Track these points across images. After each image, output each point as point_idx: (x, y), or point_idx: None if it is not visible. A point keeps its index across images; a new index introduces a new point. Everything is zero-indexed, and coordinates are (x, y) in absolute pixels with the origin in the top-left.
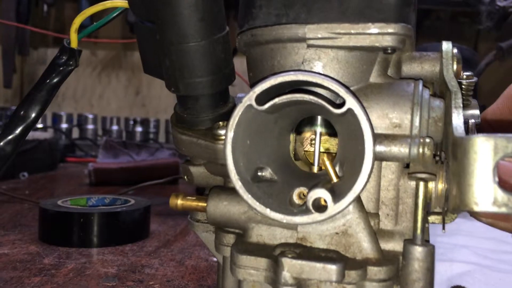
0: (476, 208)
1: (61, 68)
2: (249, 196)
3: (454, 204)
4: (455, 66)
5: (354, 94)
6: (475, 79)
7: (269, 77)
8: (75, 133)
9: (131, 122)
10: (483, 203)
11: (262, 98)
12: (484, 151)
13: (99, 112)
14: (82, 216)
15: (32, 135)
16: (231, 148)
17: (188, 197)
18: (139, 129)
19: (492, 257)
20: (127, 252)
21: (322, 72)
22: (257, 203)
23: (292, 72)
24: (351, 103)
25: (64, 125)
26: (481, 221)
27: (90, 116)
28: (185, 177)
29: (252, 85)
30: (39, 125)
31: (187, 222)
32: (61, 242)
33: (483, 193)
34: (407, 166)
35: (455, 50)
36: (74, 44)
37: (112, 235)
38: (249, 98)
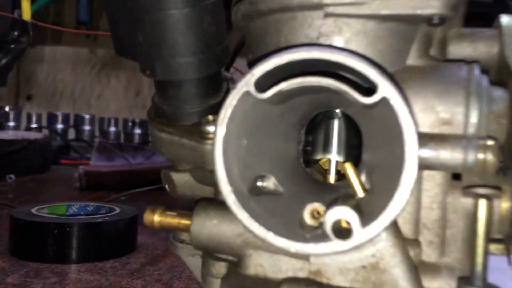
0: None
1: (11, 46)
2: (245, 214)
3: None
4: None
5: (391, 77)
6: None
7: (273, 55)
8: (71, 134)
9: (130, 124)
10: None
11: (263, 84)
12: None
13: (97, 113)
14: (57, 227)
15: (22, 135)
16: (222, 149)
17: (168, 213)
18: (137, 131)
19: None
20: (107, 270)
21: None
22: (256, 224)
23: (304, 48)
24: (386, 89)
25: (59, 126)
26: None
27: (87, 117)
28: (166, 186)
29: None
30: (34, 125)
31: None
32: (33, 257)
33: None
34: (456, 177)
35: None
36: (26, 15)
37: (92, 249)
38: (246, 83)
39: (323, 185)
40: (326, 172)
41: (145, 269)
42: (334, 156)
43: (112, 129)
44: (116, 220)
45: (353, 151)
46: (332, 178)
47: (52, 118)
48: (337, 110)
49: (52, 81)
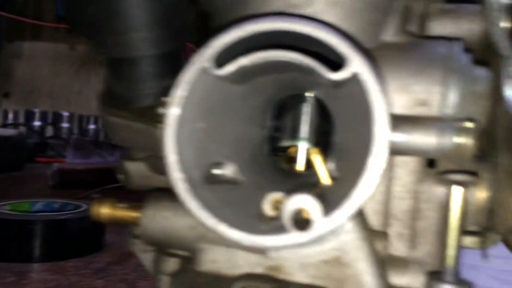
0: None
1: None
2: (194, 203)
3: (510, 221)
4: (504, 23)
5: (366, 52)
6: None
7: (233, 26)
8: (50, 132)
9: None
10: None
11: (223, 60)
12: None
13: (76, 110)
14: (19, 224)
15: None
16: (173, 132)
17: (118, 205)
18: None
19: (498, 277)
20: (68, 270)
21: None
22: (206, 215)
23: (268, 18)
24: (356, 64)
25: (37, 123)
26: None
27: (66, 114)
28: (120, 176)
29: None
30: (10, 122)
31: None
32: None
33: None
34: (430, 164)
35: (505, 1)
36: None
37: (55, 247)
38: (203, 57)
39: (289, 174)
40: (293, 161)
41: (109, 268)
42: (303, 143)
43: (92, 126)
44: (81, 217)
45: (323, 137)
46: (301, 166)
47: (29, 115)
48: (307, 94)
49: (30, 78)
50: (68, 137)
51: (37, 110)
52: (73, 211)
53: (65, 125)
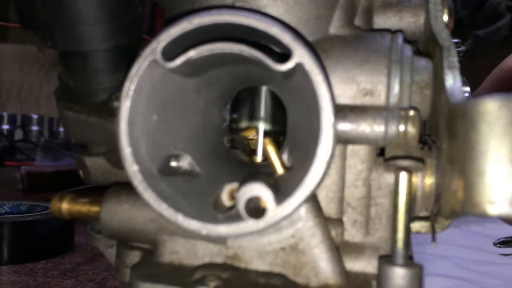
0: (492, 210)
1: None
2: (153, 195)
3: (453, 205)
4: (445, 16)
5: (305, 42)
6: (463, 48)
7: (181, 19)
8: (19, 135)
9: None
10: (504, 201)
11: (172, 53)
12: (503, 120)
13: (46, 113)
14: None
15: None
16: (126, 125)
17: (79, 200)
18: None
19: (475, 269)
20: (36, 271)
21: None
22: (164, 206)
23: (214, 11)
24: (301, 55)
25: (5, 127)
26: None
27: (35, 117)
28: (80, 172)
29: None
30: None
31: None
32: None
33: (504, 185)
34: (381, 153)
35: None
36: None
37: (22, 249)
38: (153, 50)
39: (246, 165)
40: (252, 152)
41: (79, 268)
42: (261, 124)
43: (62, 129)
44: (49, 218)
45: (279, 129)
46: (259, 159)
47: None
48: (263, 88)
49: None
50: (38, 140)
51: (5, 113)
52: (41, 213)
53: (34, 128)
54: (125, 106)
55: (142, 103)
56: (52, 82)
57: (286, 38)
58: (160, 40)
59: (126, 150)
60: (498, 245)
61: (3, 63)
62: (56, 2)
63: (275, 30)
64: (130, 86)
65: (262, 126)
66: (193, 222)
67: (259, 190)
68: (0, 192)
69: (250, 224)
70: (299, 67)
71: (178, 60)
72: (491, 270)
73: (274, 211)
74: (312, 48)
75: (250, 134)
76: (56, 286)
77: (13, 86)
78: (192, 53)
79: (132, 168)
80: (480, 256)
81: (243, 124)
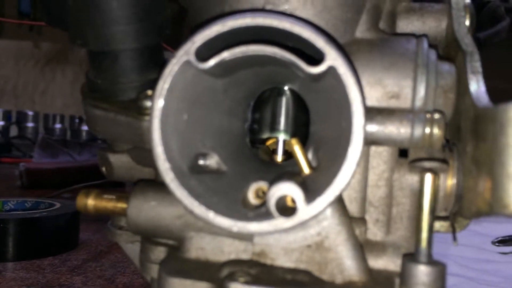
0: None
1: None
2: (185, 192)
3: (479, 206)
4: (467, 21)
5: (339, 47)
6: None
7: (214, 21)
8: (14, 132)
9: (77, 121)
10: None
11: (204, 54)
12: None
13: (41, 110)
14: None
15: None
16: (159, 124)
17: (105, 196)
18: (85, 128)
19: (475, 268)
20: (44, 268)
21: None
22: (196, 203)
23: (248, 14)
24: (333, 58)
25: (0, 123)
26: None
27: (31, 114)
28: (103, 168)
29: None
30: None
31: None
32: None
33: None
34: (402, 154)
35: (467, 0)
36: None
37: (29, 246)
38: (186, 51)
39: (269, 164)
40: (272, 153)
41: (86, 265)
42: (281, 135)
43: (58, 126)
44: (56, 215)
45: (301, 129)
46: (279, 157)
47: None
48: (285, 87)
49: None
50: (33, 136)
51: (0, 110)
52: (47, 209)
53: (30, 124)
54: (158, 105)
55: (174, 102)
56: (47, 79)
57: (319, 41)
58: (195, 41)
59: (159, 148)
60: (497, 244)
61: None
62: (89, 2)
63: (308, 34)
64: (163, 86)
65: (282, 137)
66: (224, 219)
67: (290, 189)
68: None
69: (281, 222)
70: (331, 70)
71: (212, 61)
72: (491, 268)
73: (304, 210)
74: (344, 51)
75: (272, 144)
76: (66, 283)
77: (8, 82)
78: (225, 55)
79: (165, 166)
80: (480, 255)
81: (265, 134)
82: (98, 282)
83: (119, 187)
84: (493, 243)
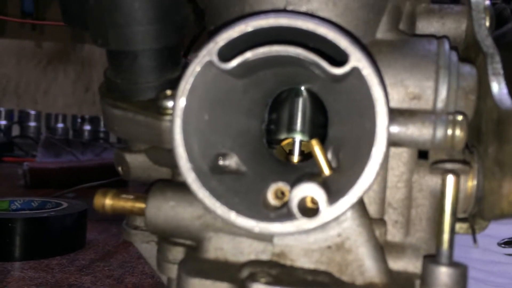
0: None
1: None
2: (206, 193)
3: (503, 208)
4: (487, 23)
5: (363, 47)
6: None
7: (237, 22)
8: (16, 131)
9: (79, 120)
10: None
11: (226, 55)
12: None
13: (43, 109)
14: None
15: None
16: (181, 124)
17: (122, 196)
18: (87, 127)
19: (482, 269)
20: (53, 267)
21: None
22: (217, 204)
23: (271, 14)
24: (358, 59)
25: (2, 122)
26: None
27: (33, 113)
28: (119, 168)
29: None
30: None
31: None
32: None
33: None
34: (422, 156)
35: (487, 2)
36: None
37: (37, 245)
38: (209, 51)
39: (287, 165)
40: (289, 153)
41: (94, 265)
42: (298, 135)
43: (60, 125)
44: (63, 215)
45: (319, 130)
46: (295, 158)
47: None
48: (302, 88)
49: None
50: (36, 136)
51: (2, 109)
52: (54, 209)
53: (32, 124)
54: (180, 105)
55: (196, 102)
56: (49, 78)
57: (343, 42)
58: (217, 41)
59: (181, 148)
60: (503, 245)
61: (0, 58)
62: (111, 1)
63: (333, 35)
64: (185, 86)
65: (299, 137)
66: (247, 220)
67: (313, 190)
68: (1, 189)
69: (303, 223)
70: (354, 71)
71: (234, 61)
72: (497, 269)
73: (326, 211)
74: (367, 52)
75: (287, 145)
76: (75, 283)
77: (10, 82)
78: (248, 55)
79: (186, 166)
80: (486, 256)
81: (282, 135)
82: (107, 282)
83: (122, 188)
84: (499, 244)
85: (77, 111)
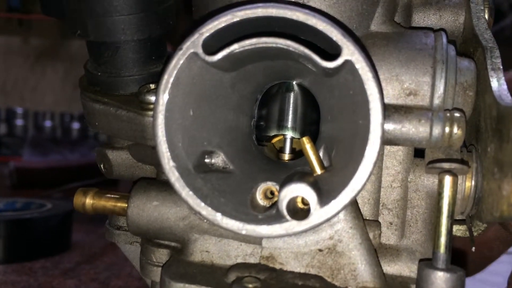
0: None
1: None
2: (190, 193)
3: (503, 209)
4: (486, 15)
5: (355, 39)
6: None
7: (223, 12)
8: (3, 129)
9: (68, 118)
10: None
11: (211, 47)
12: None
13: (31, 107)
14: None
15: None
16: (163, 120)
17: (104, 195)
18: (76, 125)
19: None
20: (36, 271)
21: None
22: (202, 204)
23: (259, 4)
24: (350, 52)
25: None
26: None
27: (20, 111)
28: (101, 165)
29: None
30: None
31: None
32: None
33: None
34: (418, 154)
35: None
36: None
37: (20, 248)
38: (193, 43)
39: (277, 163)
40: (280, 151)
41: (79, 268)
42: (289, 133)
43: (48, 123)
44: (47, 216)
45: (311, 127)
46: (286, 156)
47: None
48: (294, 83)
49: None
50: (23, 134)
51: None
52: (38, 210)
53: (19, 122)
54: (162, 99)
55: (179, 97)
56: (37, 75)
57: (335, 34)
58: (202, 32)
59: (163, 145)
60: None
61: None
62: None
63: (324, 26)
64: (168, 79)
65: (290, 135)
66: (233, 222)
67: (303, 191)
68: None
69: (293, 225)
70: (347, 64)
71: (220, 54)
72: (498, 268)
73: (318, 212)
74: (361, 45)
75: (278, 142)
76: (58, 286)
77: None
78: (235, 47)
79: (169, 164)
80: None
81: (272, 132)
82: (92, 286)
83: (113, 187)
84: None
85: (65, 109)
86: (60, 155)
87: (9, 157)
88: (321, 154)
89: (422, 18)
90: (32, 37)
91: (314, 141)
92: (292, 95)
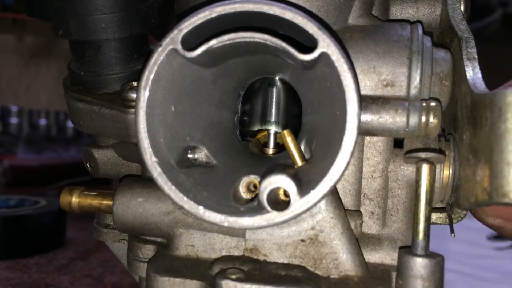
0: None
1: None
2: (173, 187)
3: (477, 195)
4: (462, 7)
5: (333, 33)
6: None
7: (202, 9)
8: None
9: (62, 117)
10: None
11: (191, 43)
12: None
13: (26, 105)
14: None
15: None
16: (145, 115)
17: (89, 193)
18: (70, 124)
19: (470, 263)
20: (30, 267)
21: None
22: (185, 198)
23: (238, 0)
24: (326, 44)
25: None
26: (485, 222)
27: (14, 109)
28: (87, 164)
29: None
30: None
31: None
32: None
33: None
34: (397, 144)
35: None
36: None
37: (13, 245)
38: (172, 39)
39: (261, 158)
40: (264, 145)
41: (73, 264)
42: (272, 127)
43: (43, 122)
44: (41, 213)
45: (294, 121)
46: (271, 150)
47: None
48: (276, 78)
49: None
50: (18, 132)
51: None
52: (32, 207)
53: (13, 120)
54: (143, 96)
55: (160, 93)
56: (31, 74)
57: (311, 27)
58: (181, 28)
59: (145, 141)
60: (492, 239)
61: None
62: None
63: (300, 19)
64: (149, 76)
65: (273, 129)
66: (215, 214)
67: (283, 182)
68: None
69: (274, 216)
70: (323, 57)
71: (199, 49)
72: (486, 263)
73: (298, 202)
74: (337, 38)
75: (263, 137)
76: (52, 283)
77: None
78: (213, 42)
79: (151, 160)
80: (474, 250)
81: (256, 127)
82: (85, 282)
83: (106, 185)
84: (489, 238)
85: (60, 107)
86: (55, 153)
87: (3, 155)
88: (302, 146)
89: (400, 11)
90: (26, 36)
91: (297, 134)
92: (274, 89)
